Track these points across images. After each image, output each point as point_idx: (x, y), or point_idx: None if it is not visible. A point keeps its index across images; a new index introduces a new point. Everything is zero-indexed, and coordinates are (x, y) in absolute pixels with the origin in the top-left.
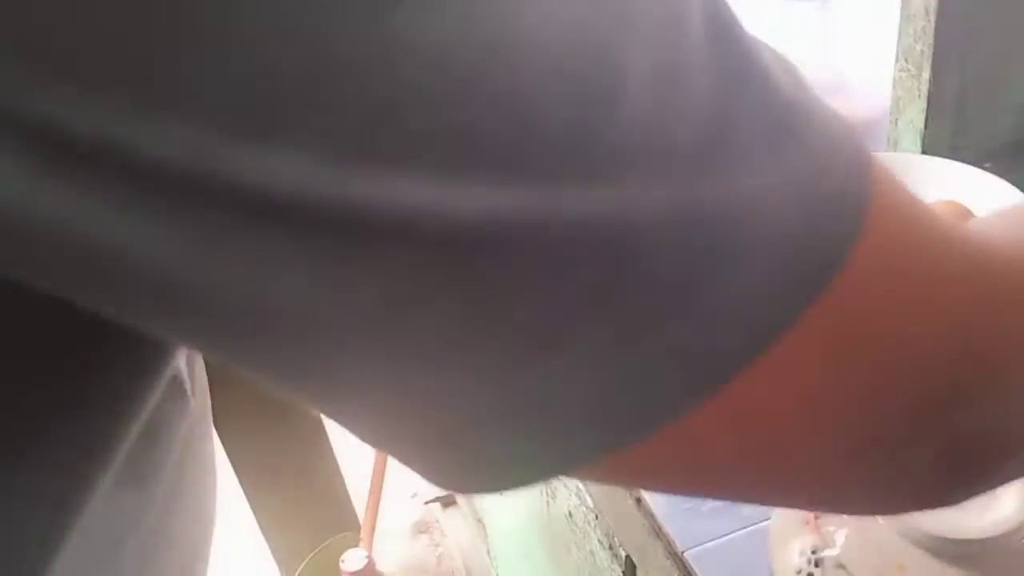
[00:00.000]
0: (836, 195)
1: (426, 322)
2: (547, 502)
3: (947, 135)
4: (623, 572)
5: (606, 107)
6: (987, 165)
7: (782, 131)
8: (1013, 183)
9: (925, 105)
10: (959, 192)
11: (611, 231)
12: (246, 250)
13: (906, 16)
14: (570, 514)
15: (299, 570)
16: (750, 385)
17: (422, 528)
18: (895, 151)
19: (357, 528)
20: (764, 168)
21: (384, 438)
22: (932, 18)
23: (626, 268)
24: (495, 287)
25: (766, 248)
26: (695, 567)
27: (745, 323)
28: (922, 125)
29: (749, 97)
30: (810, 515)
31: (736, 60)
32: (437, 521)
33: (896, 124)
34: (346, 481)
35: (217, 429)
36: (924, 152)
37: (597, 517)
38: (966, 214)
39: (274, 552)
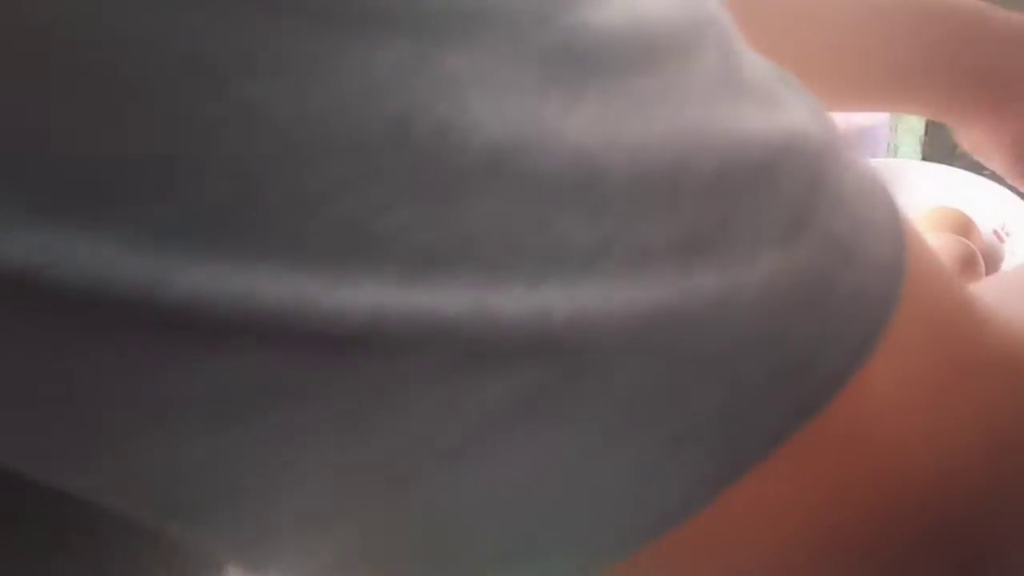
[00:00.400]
0: (855, 292)
1: (296, 439)
2: None
3: (947, 141)
4: None
5: (561, 193)
6: (986, 172)
7: (798, 216)
8: (1011, 189)
9: None
10: (958, 198)
11: (554, 337)
12: (31, 343)
13: None
14: None
15: None
16: (725, 512)
17: None
18: (895, 157)
19: None
20: (768, 262)
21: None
22: None
23: (572, 377)
24: (387, 395)
25: (757, 356)
26: None
27: (722, 444)
28: (922, 131)
29: (761, 178)
30: None
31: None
32: None
33: (896, 130)
34: None
35: None
36: (924, 158)
37: None
38: (966, 221)
39: None
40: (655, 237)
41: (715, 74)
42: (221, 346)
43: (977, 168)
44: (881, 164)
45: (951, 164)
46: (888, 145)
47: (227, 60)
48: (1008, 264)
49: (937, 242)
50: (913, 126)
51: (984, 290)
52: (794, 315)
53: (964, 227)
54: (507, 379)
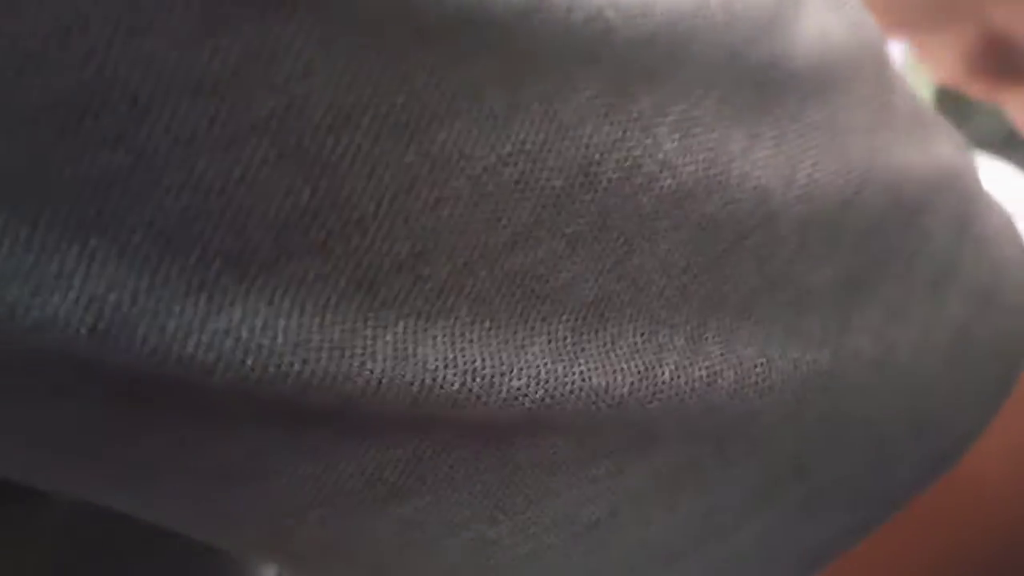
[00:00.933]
0: (992, 340)
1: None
2: None
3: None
4: None
5: (735, 235)
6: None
7: (948, 263)
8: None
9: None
10: None
11: (716, 406)
12: None
13: None
14: None
15: None
16: (848, 565)
17: None
18: None
19: None
20: (920, 315)
21: None
22: None
23: (723, 450)
24: (535, 477)
25: (904, 414)
26: None
27: (858, 501)
28: None
29: (916, 219)
30: None
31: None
32: None
33: None
34: None
35: None
36: None
37: None
38: None
39: None
40: (816, 279)
41: (872, 103)
42: (389, 434)
43: (978, 150)
44: None
45: None
46: None
47: (419, 108)
48: None
49: None
50: None
51: None
52: (941, 371)
53: None
54: (661, 455)
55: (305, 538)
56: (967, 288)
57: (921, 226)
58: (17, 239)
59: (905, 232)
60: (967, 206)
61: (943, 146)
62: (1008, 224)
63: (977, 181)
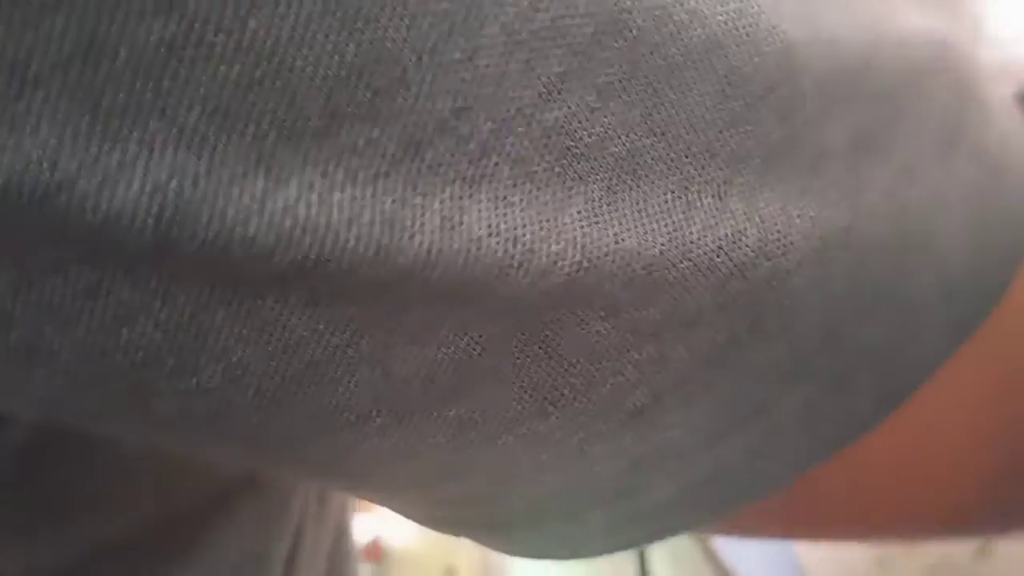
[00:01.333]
0: (1007, 204)
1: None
2: None
3: None
4: (639, 552)
5: (762, 88)
6: None
7: (954, 127)
8: None
9: None
10: None
11: (746, 264)
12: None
13: None
14: None
15: None
16: (883, 441)
17: None
18: None
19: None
20: (930, 176)
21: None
22: None
23: (757, 326)
24: (583, 365)
25: (926, 275)
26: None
27: (892, 365)
28: None
29: (924, 82)
30: None
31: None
32: None
33: None
34: None
35: None
36: None
37: None
38: None
39: None
40: (832, 138)
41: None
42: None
43: None
44: None
45: None
46: None
47: None
48: None
49: None
50: None
51: None
52: (959, 233)
53: None
54: (700, 335)
55: (366, 451)
56: (976, 151)
57: (928, 88)
58: (79, 130)
59: (914, 93)
60: (970, 72)
61: (939, 14)
62: (1006, 98)
63: (975, 55)
